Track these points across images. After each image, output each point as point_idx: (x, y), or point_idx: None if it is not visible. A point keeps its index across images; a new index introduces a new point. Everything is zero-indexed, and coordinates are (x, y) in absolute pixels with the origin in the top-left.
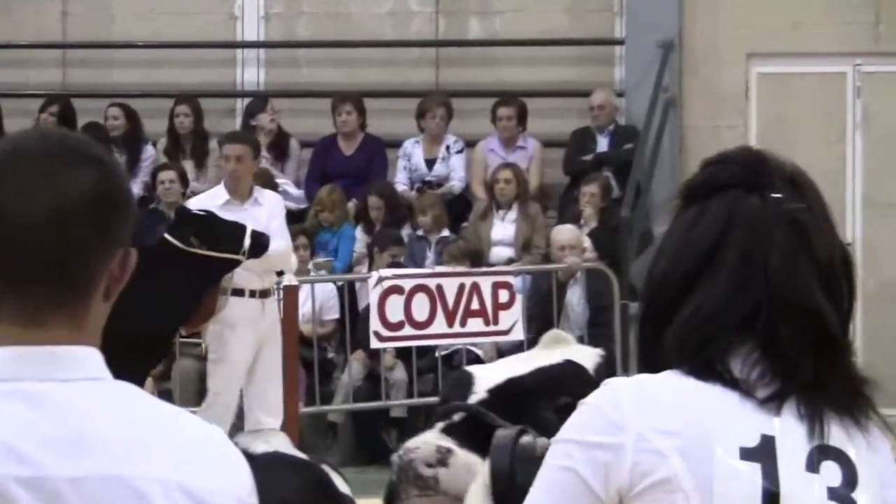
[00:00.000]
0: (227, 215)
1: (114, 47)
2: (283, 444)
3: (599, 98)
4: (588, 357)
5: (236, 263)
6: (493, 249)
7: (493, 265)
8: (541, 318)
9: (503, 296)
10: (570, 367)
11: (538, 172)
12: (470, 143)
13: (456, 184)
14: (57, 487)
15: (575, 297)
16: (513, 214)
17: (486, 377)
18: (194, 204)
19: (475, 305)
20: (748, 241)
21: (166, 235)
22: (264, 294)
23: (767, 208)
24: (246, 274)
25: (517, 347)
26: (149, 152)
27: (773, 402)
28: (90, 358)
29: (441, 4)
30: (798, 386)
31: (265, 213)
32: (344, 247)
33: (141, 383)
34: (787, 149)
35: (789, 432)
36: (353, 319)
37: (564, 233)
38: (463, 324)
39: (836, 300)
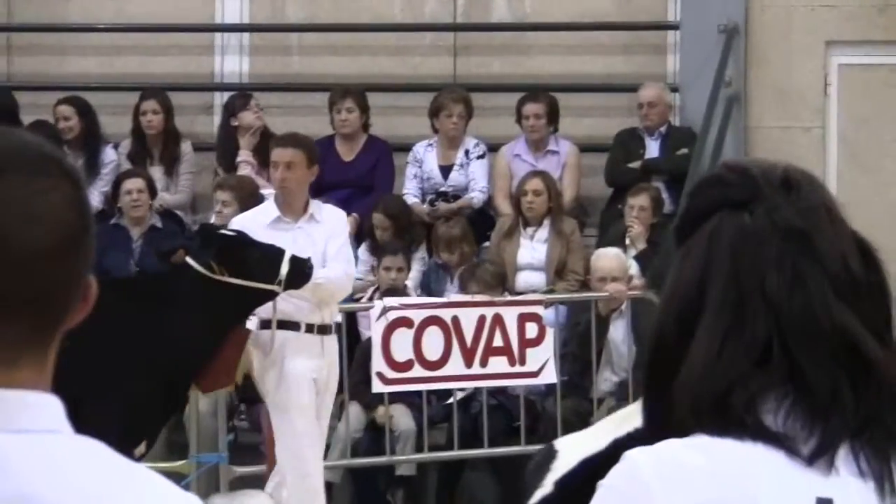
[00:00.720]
0: (278, 236)
1: (68, 30)
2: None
3: (650, 94)
4: None
5: (270, 296)
6: (519, 275)
7: (519, 293)
8: (577, 358)
9: (531, 330)
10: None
11: (574, 182)
12: (493, 147)
13: (476, 195)
14: None
15: (619, 333)
16: (544, 233)
17: (567, 457)
18: (237, 223)
19: (498, 342)
20: (735, 267)
21: (187, 259)
22: (323, 330)
23: (756, 223)
24: (301, 304)
25: (549, 391)
26: (109, 157)
27: (823, 456)
28: (51, 406)
29: None
30: (844, 430)
31: (323, 232)
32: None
33: (153, 436)
34: (872, 155)
35: (852, 492)
36: (351, 358)
37: (607, 259)
38: (483, 363)
39: (866, 308)
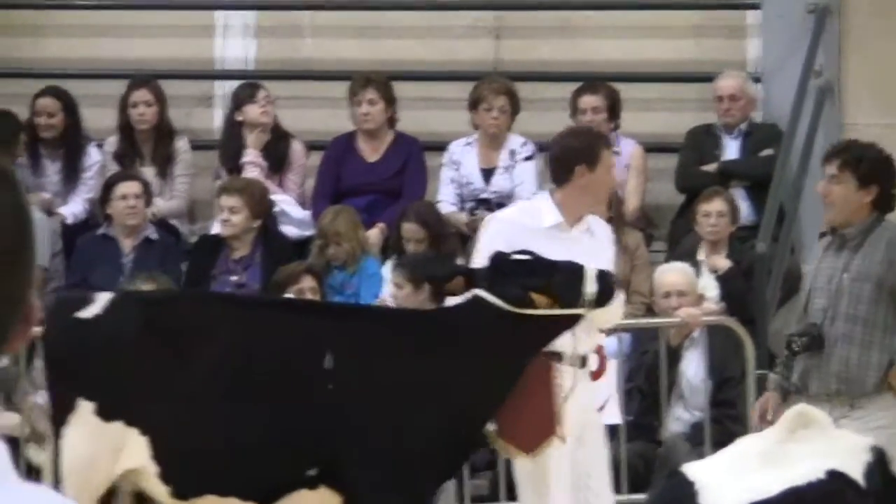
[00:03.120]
0: (552, 247)
1: (44, 8)
2: None
3: (730, 85)
4: (853, 453)
5: (574, 321)
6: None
7: None
8: (645, 394)
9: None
10: (835, 485)
11: (639, 188)
12: (543, 147)
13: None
14: None
15: (691, 365)
16: None
17: (716, 493)
18: (506, 225)
19: None
20: None
21: (480, 293)
22: (584, 361)
23: None
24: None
25: (611, 432)
26: (94, 157)
27: None
28: None
29: None
30: None
31: (597, 246)
32: (367, 289)
33: (429, 497)
34: None
35: None
36: None
37: (671, 275)
38: None
39: None
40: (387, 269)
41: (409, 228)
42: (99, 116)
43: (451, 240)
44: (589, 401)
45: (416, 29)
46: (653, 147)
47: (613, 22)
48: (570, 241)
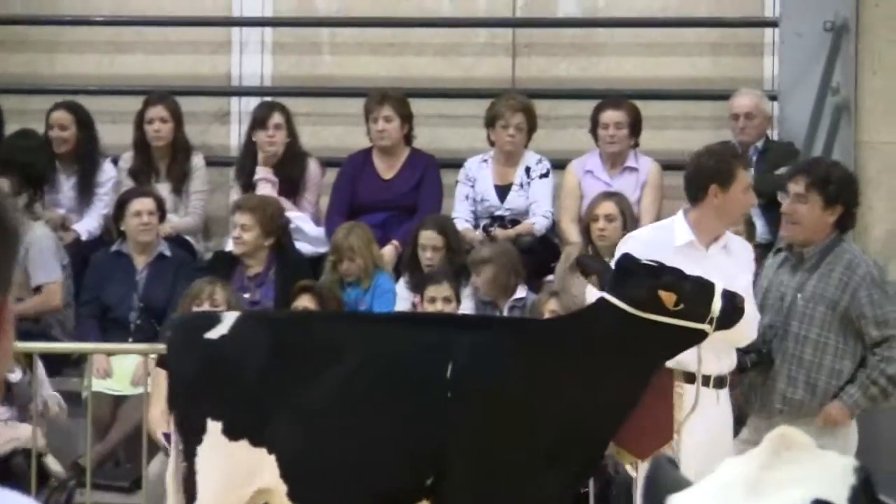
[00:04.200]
0: (686, 265)
1: (60, 24)
2: None
3: (746, 103)
4: (839, 478)
5: (699, 337)
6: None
7: None
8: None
9: None
10: None
11: (655, 206)
12: (558, 164)
13: (538, 221)
14: None
15: None
16: None
17: None
18: (639, 244)
19: None
20: None
21: (606, 296)
22: (720, 383)
23: None
24: (703, 351)
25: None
26: (108, 173)
27: None
28: None
29: None
30: None
31: (734, 266)
32: (381, 306)
33: None
34: None
35: None
36: None
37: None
38: None
39: None
40: (400, 286)
41: (427, 236)
42: (115, 133)
43: (464, 256)
44: (716, 423)
45: (433, 46)
46: (669, 164)
47: (630, 39)
48: (704, 260)
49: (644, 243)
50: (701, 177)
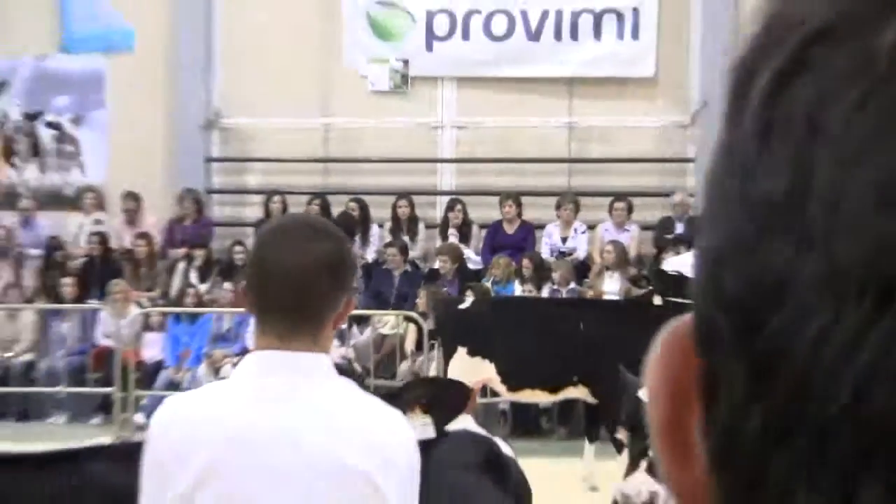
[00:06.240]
0: None
1: (359, 161)
2: (468, 423)
3: (678, 198)
4: None
5: None
6: (604, 298)
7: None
8: None
9: None
10: None
11: (636, 246)
12: (591, 227)
13: (581, 253)
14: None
15: None
16: (616, 275)
17: None
18: (675, 263)
19: None
20: None
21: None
22: None
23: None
24: None
25: None
26: (375, 231)
27: None
28: (320, 362)
29: (572, 133)
30: None
31: None
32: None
33: None
34: None
35: None
36: None
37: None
38: None
39: None
40: (516, 288)
41: (526, 262)
42: (382, 212)
43: (545, 271)
44: None
45: (531, 170)
46: (644, 227)
47: (629, 169)
48: None
49: (683, 261)
50: None
